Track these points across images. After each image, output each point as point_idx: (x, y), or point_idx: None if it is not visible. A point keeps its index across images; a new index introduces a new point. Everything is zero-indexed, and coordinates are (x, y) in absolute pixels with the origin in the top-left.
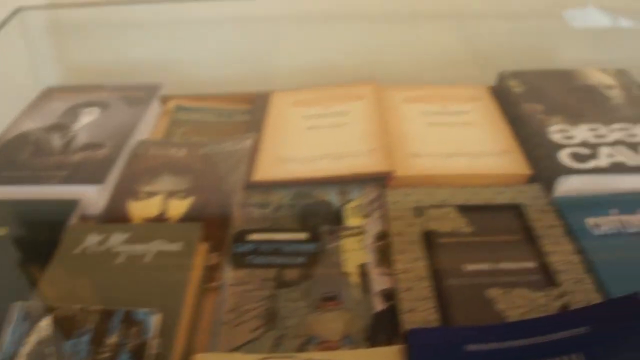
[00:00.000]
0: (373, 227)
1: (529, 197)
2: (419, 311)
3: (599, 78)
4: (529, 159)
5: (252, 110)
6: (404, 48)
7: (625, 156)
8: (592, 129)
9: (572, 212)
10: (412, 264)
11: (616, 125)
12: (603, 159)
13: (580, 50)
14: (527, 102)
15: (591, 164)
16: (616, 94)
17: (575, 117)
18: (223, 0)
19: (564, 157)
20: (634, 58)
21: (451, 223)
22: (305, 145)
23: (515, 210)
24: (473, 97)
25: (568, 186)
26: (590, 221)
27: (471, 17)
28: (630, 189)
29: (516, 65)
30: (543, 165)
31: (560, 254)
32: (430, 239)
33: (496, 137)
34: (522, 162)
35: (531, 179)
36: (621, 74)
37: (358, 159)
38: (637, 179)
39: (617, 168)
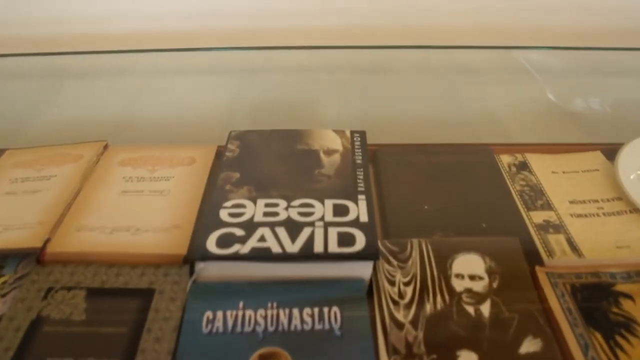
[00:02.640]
0: (2, 308)
1: (169, 281)
2: None
3: (327, 141)
4: (199, 235)
5: None
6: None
7: (278, 240)
8: (271, 205)
9: (197, 302)
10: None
11: (298, 202)
12: (250, 243)
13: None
14: (227, 170)
15: (234, 248)
16: (332, 162)
17: (263, 190)
18: None
19: (213, 238)
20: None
21: (70, 309)
22: None
23: (146, 296)
24: (191, 159)
25: (207, 272)
26: (208, 315)
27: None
28: (273, 276)
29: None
30: (194, 246)
31: (154, 352)
32: (36, 327)
33: (180, 209)
34: (185, 241)
35: (185, 260)
36: (356, 137)
37: (21, 231)
38: (280, 267)
39: (258, 255)
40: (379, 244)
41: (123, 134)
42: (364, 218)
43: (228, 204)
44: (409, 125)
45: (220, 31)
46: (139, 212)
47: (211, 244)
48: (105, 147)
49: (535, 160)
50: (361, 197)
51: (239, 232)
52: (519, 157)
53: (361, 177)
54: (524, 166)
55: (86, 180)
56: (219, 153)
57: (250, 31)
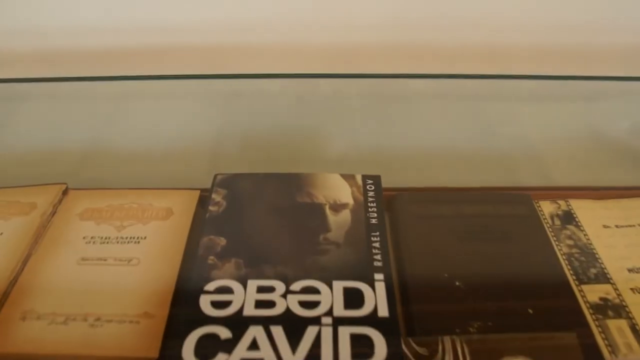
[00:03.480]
0: None
1: None
2: None
3: (334, 190)
4: (174, 337)
5: None
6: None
7: (274, 348)
8: (265, 290)
9: None
10: None
11: (300, 284)
12: (239, 353)
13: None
14: (210, 233)
15: None
16: (341, 222)
17: (254, 266)
18: None
19: (191, 342)
20: None
21: None
22: None
23: None
24: (168, 211)
25: None
26: None
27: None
28: None
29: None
30: (167, 353)
31: None
32: None
33: (152, 288)
34: (157, 336)
35: None
36: (369, 184)
37: None
38: None
39: None
40: (404, 346)
41: (87, 171)
42: (383, 311)
43: (211, 286)
44: (430, 163)
45: (208, 49)
46: (101, 293)
47: (188, 353)
48: (65, 191)
49: (583, 210)
50: (378, 276)
51: (225, 332)
52: (563, 205)
53: (377, 244)
54: (569, 218)
55: (38, 242)
56: (202, 199)
57: (242, 49)
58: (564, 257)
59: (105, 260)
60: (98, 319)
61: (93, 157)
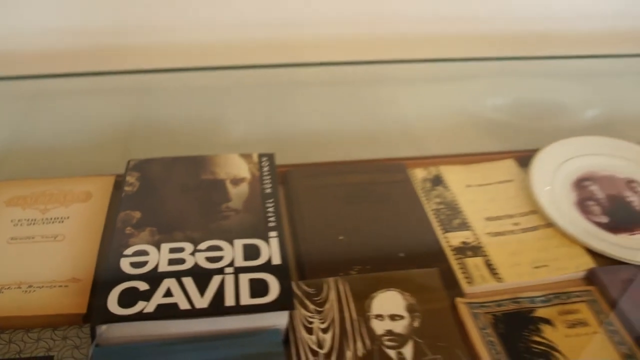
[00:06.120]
0: None
1: (69, 346)
2: None
3: (234, 168)
4: (99, 292)
5: None
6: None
7: (186, 294)
8: (176, 250)
9: None
10: None
11: (206, 244)
12: (155, 300)
13: None
14: (126, 208)
15: (138, 307)
16: (240, 193)
17: (167, 232)
18: None
19: (114, 295)
20: None
21: None
22: None
23: None
24: (87, 194)
25: (110, 334)
26: None
27: None
28: (184, 333)
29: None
30: (94, 307)
31: None
32: None
33: (77, 258)
34: (85, 296)
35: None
36: (264, 161)
37: None
38: (189, 323)
39: (164, 313)
40: (294, 287)
41: (8, 167)
42: (276, 260)
43: (129, 251)
44: (319, 142)
45: (114, 49)
46: (31, 265)
47: (113, 303)
48: None
49: (450, 174)
50: (272, 234)
51: (143, 285)
52: (433, 170)
53: (271, 209)
54: (438, 181)
55: None
56: (118, 184)
57: (147, 48)
58: (432, 212)
59: (33, 238)
60: (30, 286)
61: (14, 152)
